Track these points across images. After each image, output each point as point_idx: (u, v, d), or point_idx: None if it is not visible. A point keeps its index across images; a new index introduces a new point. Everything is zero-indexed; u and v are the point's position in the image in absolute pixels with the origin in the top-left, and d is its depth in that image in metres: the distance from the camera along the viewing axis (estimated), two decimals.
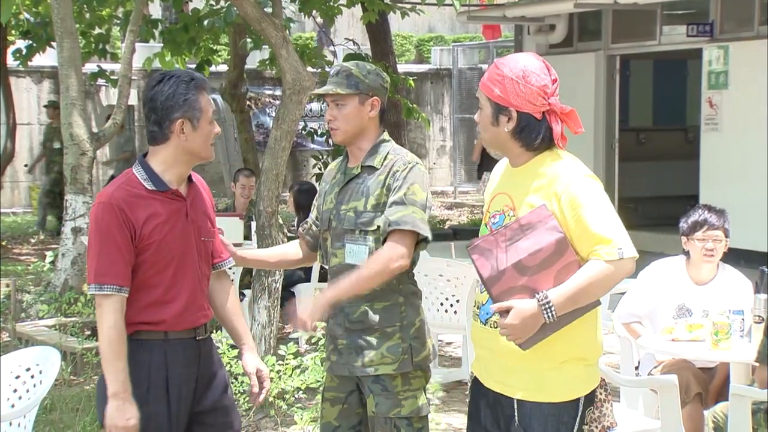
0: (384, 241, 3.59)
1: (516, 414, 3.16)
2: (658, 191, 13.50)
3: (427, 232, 3.60)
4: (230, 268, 3.74)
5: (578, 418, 3.17)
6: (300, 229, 3.94)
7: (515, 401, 3.15)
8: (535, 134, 3.12)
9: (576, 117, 3.16)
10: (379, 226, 3.62)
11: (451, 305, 6.64)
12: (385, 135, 3.77)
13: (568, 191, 3.05)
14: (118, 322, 3.26)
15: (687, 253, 5.02)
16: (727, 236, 4.96)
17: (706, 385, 4.88)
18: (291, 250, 3.99)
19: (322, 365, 3.82)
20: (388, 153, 3.71)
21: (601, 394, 4.04)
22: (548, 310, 2.98)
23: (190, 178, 3.48)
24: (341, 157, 3.87)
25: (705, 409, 4.78)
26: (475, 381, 3.32)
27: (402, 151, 3.75)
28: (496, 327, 3.12)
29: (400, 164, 3.66)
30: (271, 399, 5.77)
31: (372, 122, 3.72)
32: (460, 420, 5.79)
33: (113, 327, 3.26)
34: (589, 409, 3.23)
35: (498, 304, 3.04)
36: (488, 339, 3.20)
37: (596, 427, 4.06)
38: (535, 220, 3.04)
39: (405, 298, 3.68)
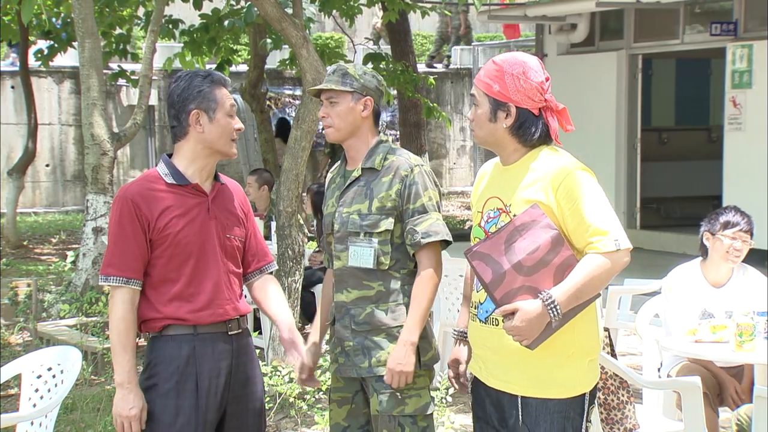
0: (414, 251, 3.66)
1: (520, 412, 3.15)
2: (680, 191, 13.43)
3: (450, 236, 3.71)
4: None
5: (584, 415, 3.17)
6: (321, 245, 3.94)
7: (519, 399, 3.15)
8: (533, 129, 3.17)
9: (567, 115, 3.22)
10: (387, 230, 3.65)
11: None
12: (382, 136, 3.80)
13: (563, 184, 3.09)
14: (127, 313, 3.32)
15: (705, 253, 5.00)
16: (752, 239, 4.98)
17: (715, 387, 4.86)
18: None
19: (329, 368, 3.82)
20: (387, 154, 3.73)
21: (623, 395, 4.00)
22: (553, 309, 3.00)
23: (218, 178, 3.51)
24: (340, 161, 3.88)
25: (717, 409, 4.79)
26: (476, 381, 3.33)
27: (401, 150, 3.78)
28: (497, 325, 3.14)
29: (406, 168, 3.68)
30: (291, 399, 5.78)
31: (366, 122, 3.74)
32: None
33: (121, 318, 3.32)
34: (592, 406, 3.23)
35: (503, 306, 3.05)
36: (489, 338, 3.21)
37: (619, 429, 4.03)
38: (528, 220, 3.07)
39: (410, 299, 3.68)
